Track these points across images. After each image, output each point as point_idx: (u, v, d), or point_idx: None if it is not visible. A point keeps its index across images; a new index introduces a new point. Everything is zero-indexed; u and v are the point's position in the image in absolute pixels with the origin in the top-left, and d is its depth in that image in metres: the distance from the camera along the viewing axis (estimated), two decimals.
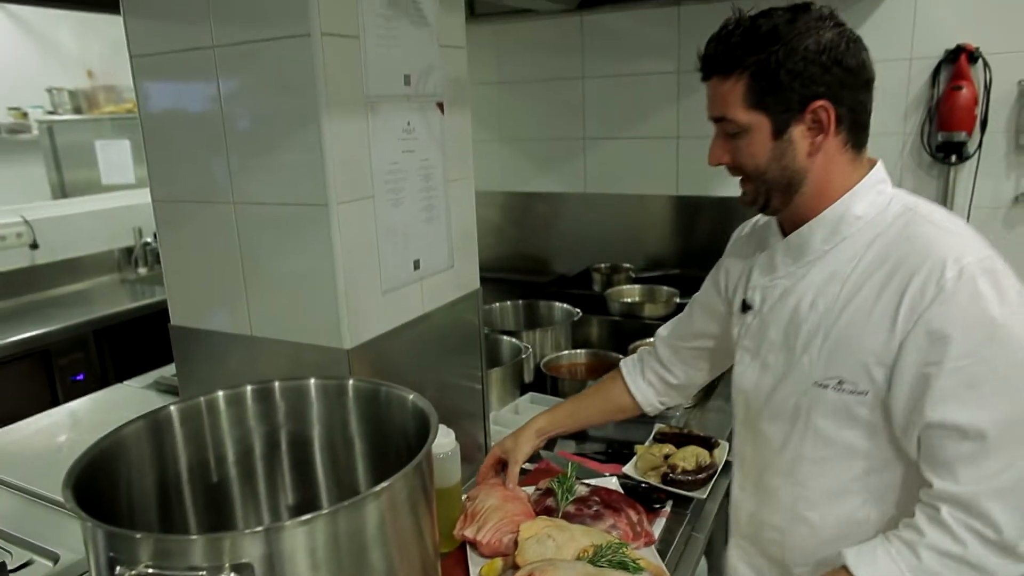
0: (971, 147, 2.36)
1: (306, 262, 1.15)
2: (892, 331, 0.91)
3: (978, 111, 2.32)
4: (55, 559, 1.25)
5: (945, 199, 2.43)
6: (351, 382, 1.02)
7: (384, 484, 0.78)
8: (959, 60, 2.29)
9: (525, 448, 1.34)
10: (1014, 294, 0.89)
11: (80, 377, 2.75)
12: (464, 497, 1.31)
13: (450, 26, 1.32)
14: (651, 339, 2.05)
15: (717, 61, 0.98)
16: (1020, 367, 0.87)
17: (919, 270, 0.90)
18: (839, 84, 0.94)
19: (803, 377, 1.01)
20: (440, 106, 1.32)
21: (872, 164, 1.02)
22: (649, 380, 1.43)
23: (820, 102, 0.94)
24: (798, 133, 0.96)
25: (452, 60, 1.34)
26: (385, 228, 1.21)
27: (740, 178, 1.04)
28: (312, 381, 1.02)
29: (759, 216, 1.20)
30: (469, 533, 1.21)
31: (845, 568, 0.94)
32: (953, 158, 2.37)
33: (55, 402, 2.50)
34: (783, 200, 1.02)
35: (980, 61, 2.29)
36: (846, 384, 0.97)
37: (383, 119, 1.18)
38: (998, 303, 0.87)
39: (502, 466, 1.37)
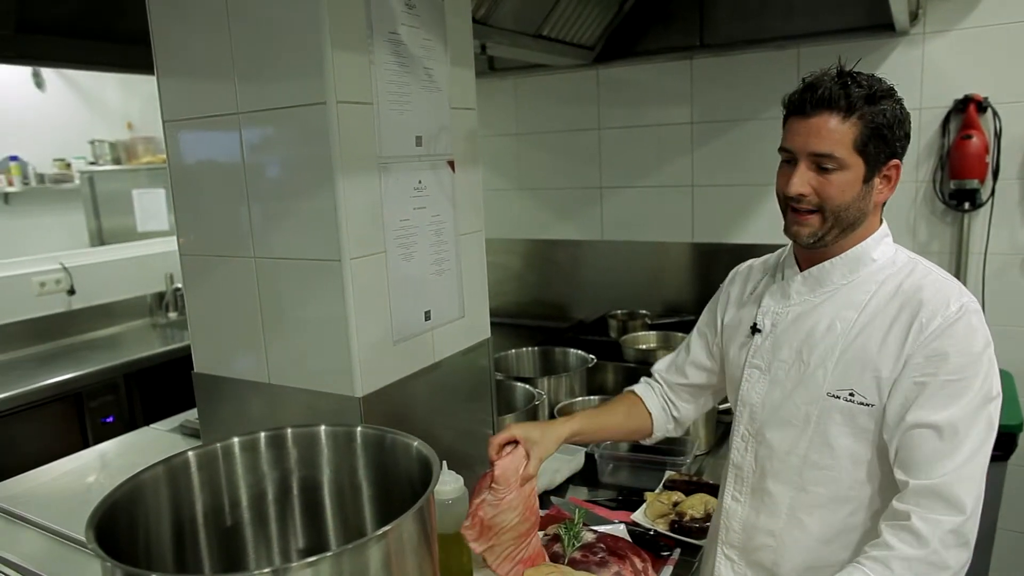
0: (984, 194, 2.37)
1: (320, 314, 1.21)
2: (901, 351, 1.07)
3: (989, 159, 2.34)
4: None
5: (960, 246, 2.43)
6: (359, 429, 1.06)
7: (386, 528, 0.82)
8: (968, 109, 2.32)
9: (551, 447, 1.28)
10: (987, 334, 1.08)
11: (110, 419, 2.83)
12: (477, 491, 1.23)
13: (461, 89, 1.40)
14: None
15: (835, 101, 1.07)
16: (985, 388, 1.05)
17: (927, 304, 1.07)
18: (903, 148, 1.12)
19: (816, 388, 1.14)
20: (451, 164, 1.38)
21: (881, 219, 1.20)
22: (660, 405, 1.46)
23: (896, 161, 1.11)
24: (877, 183, 1.11)
25: (463, 120, 1.42)
26: (397, 281, 1.27)
27: (805, 211, 1.14)
28: (322, 428, 1.06)
29: (768, 256, 1.35)
30: (478, 547, 1.19)
31: None
32: (967, 205, 2.39)
33: (85, 443, 2.58)
34: (839, 235, 1.14)
35: (989, 110, 2.32)
36: (856, 396, 1.10)
37: (395, 178, 1.25)
38: (982, 337, 1.06)
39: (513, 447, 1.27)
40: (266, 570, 0.77)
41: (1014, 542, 2.58)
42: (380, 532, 0.82)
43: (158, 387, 2.96)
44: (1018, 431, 2.12)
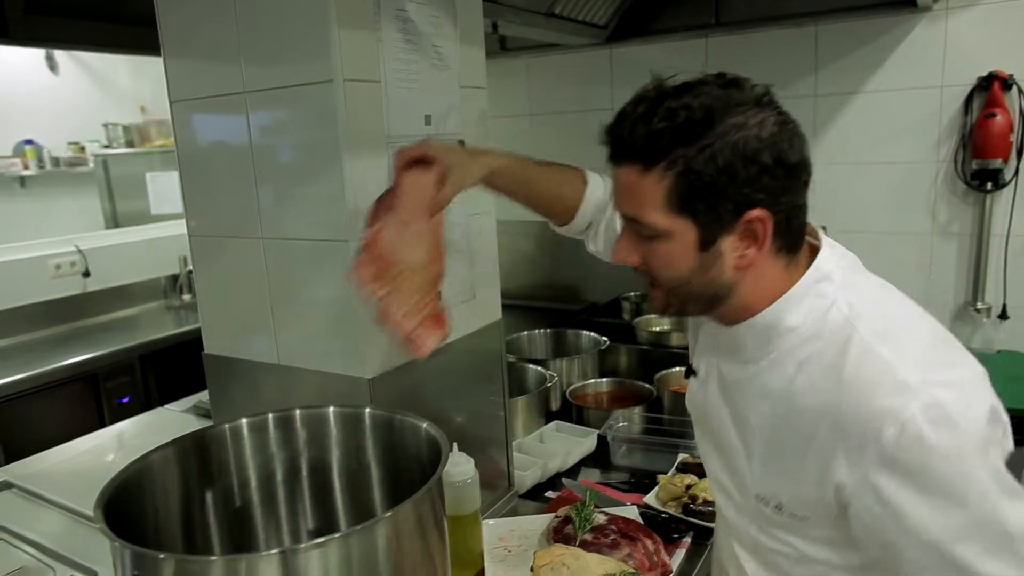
0: (1007, 174, 2.32)
1: (329, 294, 1.20)
2: (826, 481, 0.79)
3: (1014, 138, 2.29)
4: (92, 575, 1.31)
5: (981, 227, 2.38)
6: (368, 411, 1.06)
7: (395, 509, 0.82)
8: (992, 87, 2.26)
9: (472, 175, 1.04)
10: (972, 442, 0.72)
11: (126, 400, 2.86)
12: (375, 206, 1.01)
13: (471, 67, 1.38)
14: (679, 368, 2.06)
15: (634, 147, 0.79)
16: (990, 531, 0.73)
17: (852, 427, 0.75)
18: (780, 189, 0.77)
19: (743, 480, 0.91)
20: (461, 143, 1.37)
21: (808, 261, 0.84)
22: (598, 202, 1.19)
23: (756, 212, 0.77)
24: (728, 245, 0.80)
25: (473, 100, 1.39)
26: None
27: (644, 282, 0.89)
28: (331, 409, 1.06)
29: None
30: (376, 289, 0.95)
31: None
32: (989, 185, 2.34)
33: (102, 423, 2.62)
34: (702, 309, 0.88)
35: (1014, 88, 2.26)
36: (785, 510, 0.85)
37: None
38: (955, 462, 0.71)
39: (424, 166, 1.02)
40: (274, 551, 0.76)
41: None
42: (389, 513, 0.81)
43: (173, 368, 2.99)
44: None
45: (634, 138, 0.79)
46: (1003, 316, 2.42)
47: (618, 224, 1.02)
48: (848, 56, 2.49)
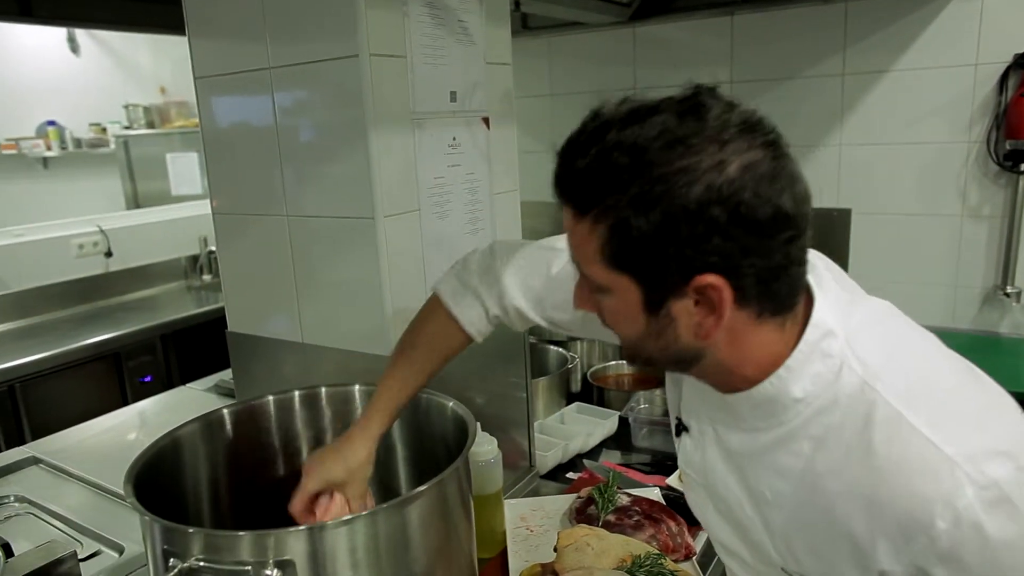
0: None
1: (354, 272, 1.19)
2: (868, 567, 0.66)
3: None
4: (120, 550, 1.32)
5: (1013, 209, 2.33)
6: None
7: (422, 488, 0.81)
8: None
9: (362, 479, 0.96)
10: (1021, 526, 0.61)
11: (148, 379, 2.89)
12: None
13: (496, 44, 1.36)
14: None
15: (568, 190, 0.67)
16: None
17: (896, 513, 0.63)
18: (740, 251, 0.61)
19: (766, 553, 0.78)
20: (486, 121, 1.35)
21: (805, 319, 0.69)
22: (481, 312, 1.03)
23: (708, 278, 0.62)
24: (681, 309, 0.65)
25: (498, 76, 1.37)
26: (431, 240, 1.25)
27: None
28: (356, 388, 1.06)
29: None
30: None
31: None
32: (1022, 167, 2.28)
33: (124, 402, 2.65)
34: (680, 368, 0.73)
35: None
36: None
37: (429, 134, 1.22)
38: (1019, 540, 0.61)
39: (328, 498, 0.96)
40: (301, 527, 0.76)
41: None
42: (416, 492, 0.81)
43: (194, 348, 3.01)
44: None
45: (568, 179, 0.67)
46: None
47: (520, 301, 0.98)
48: (878, 33, 2.43)
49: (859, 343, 0.68)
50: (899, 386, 0.65)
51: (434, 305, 1.03)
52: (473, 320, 1.02)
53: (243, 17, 1.20)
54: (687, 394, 0.83)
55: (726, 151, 0.60)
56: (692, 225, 0.60)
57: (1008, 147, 2.27)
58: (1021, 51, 2.22)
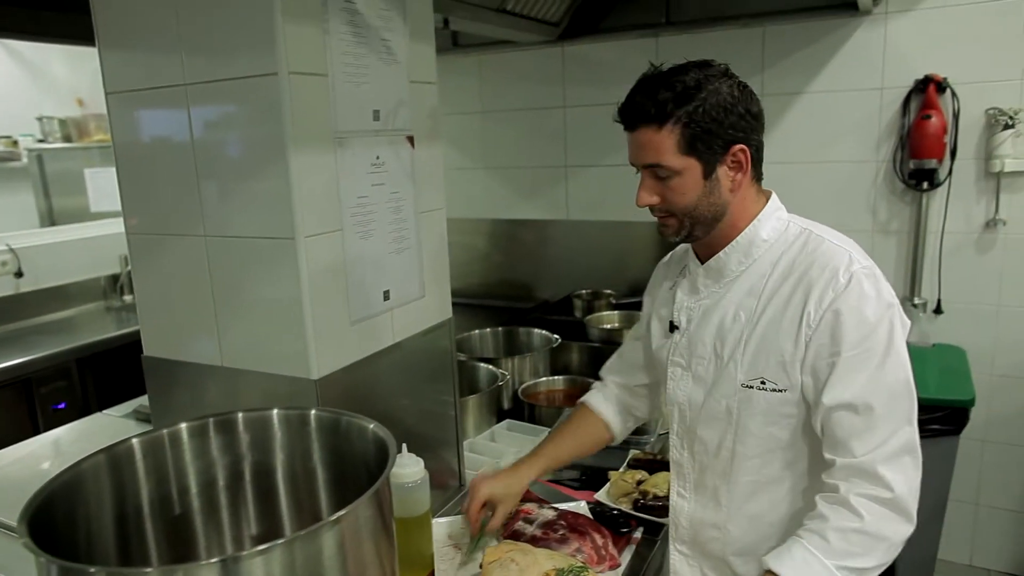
0: (942, 174, 2.41)
1: (274, 293, 1.17)
2: (799, 332, 1.07)
3: (948, 139, 2.37)
4: None
5: (918, 225, 2.47)
6: (313, 412, 1.03)
7: (340, 513, 0.80)
8: (928, 90, 2.34)
9: (516, 498, 1.35)
10: (887, 294, 1.06)
11: (62, 406, 2.74)
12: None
13: (421, 62, 1.36)
14: None
15: (647, 113, 1.08)
16: (890, 353, 1.04)
17: (818, 279, 1.07)
18: (750, 129, 1.09)
19: (731, 381, 1.14)
20: (410, 139, 1.35)
21: (768, 195, 1.18)
22: (617, 409, 1.46)
23: (739, 146, 1.09)
24: (723, 173, 1.10)
25: (423, 95, 1.38)
26: (354, 260, 1.23)
27: (661, 216, 1.16)
28: (275, 412, 1.03)
29: (677, 248, 1.36)
30: None
31: (770, 572, 1.03)
32: (925, 185, 2.42)
33: (36, 431, 2.50)
34: (705, 230, 1.15)
35: (948, 91, 2.34)
36: (768, 383, 1.11)
37: (351, 153, 1.21)
38: (876, 301, 1.04)
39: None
40: (215, 560, 0.73)
41: (965, 514, 2.66)
42: (333, 518, 0.79)
43: (113, 372, 2.88)
44: (970, 406, 2.17)
45: (647, 107, 1.07)
46: (938, 311, 2.51)
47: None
48: (793, 56, 2.55)
49: (796, 217, 1.17)
50: (820, 229, 1.13)
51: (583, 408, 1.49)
52: (600, 405, 1.46)
53: (157, 31, 1.16)
54: (680, 298, 1.24)
55: (730, 79, 1.08)
56: (729, 116, 1.06)
57: (912, 166, 2.41)
58: (920, 77, 2.37)
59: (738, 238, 1.15)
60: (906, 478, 1.02)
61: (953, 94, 2.34)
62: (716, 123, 1.06)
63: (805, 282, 1.08)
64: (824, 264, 1.07)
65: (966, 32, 2.31)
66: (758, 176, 1.15)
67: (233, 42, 1.10)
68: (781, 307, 1.10)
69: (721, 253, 1.17)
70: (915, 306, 2.52)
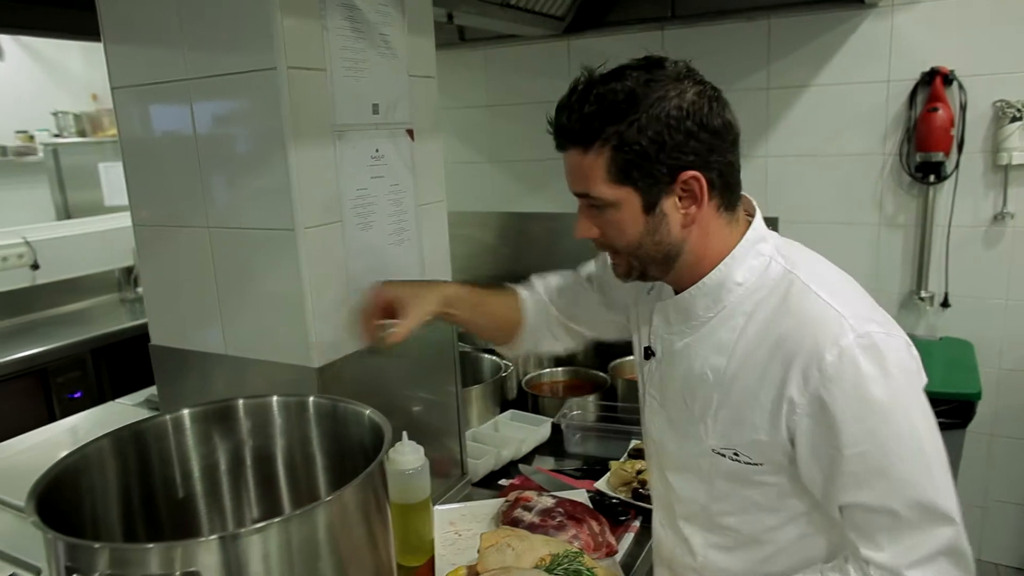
0: (949, 167, 2.39)
1: (276, 284, 1.19)
2: (778, 415, 0.88)
3: (955, 132, 2.36)
4: (37, 572, 1.29)
5: (925, 218, 2.46)
6: (311, 399, 1.06)
7: (335, 494, 0.82)
8: (934, 82, 2.33)
9: (427, 308, 1.14)
10: (897, 368, 0.84)
11: (77, 395, 2.80)
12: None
13: (420, 56, 1.38)
14: (632, 357, 2.10)
15: (573, 132, 0.89)
16: (915, 447, 0.85)
17: (799, 352, 0.86)
18: (707, 150, 0.87)
19: (701, 442, 0.98)
20: (410, 133, 1.37)
21: (747, 223, 0.96)
22: (537, 324, 1.28)
23: (690, 172, 0.87)
24: (670, 205, 0.89)
25: (422, 89, 1.39)
26: (354, 251, 1.25)
27: (606, 251, 0.99)
28: (274, 399, 1.06)
29: None
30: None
31: None
32: (932, 178, 2.41)
33: (52, 419, 2.54)
34: (661, 271, 0.96)
35: (955, 83, 2.33)
36: (741, 456, 0.94)
37: (351, 146, 1.23)
38: (882, 382, 0.83)
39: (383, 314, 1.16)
40: (213, 537, 0.76)
41: (972, 509, 2.66)
42: (328, 499, 0.82)
43: (126, 362, 2.93)
44: (976, 399, 2.16)
45: (571, 124, 0.89)
46: (945, 304, 2.50)
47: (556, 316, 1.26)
48: (799, 50, 2.55)
49: (783, 248, 0.96)
50: (810, 273, 0.91)
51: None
52: (530, 317, 1.27)
53: (160, 27, 1.19)
54: (656, 321, 1.04)
55: (683, 84, 0.86)
56: (673, 135, 0.85)
57: (919, 159, 2.40)
58: (927, 69, 2.36)
59: (705, 279, 0.94)
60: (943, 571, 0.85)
61: (960, 86, 2.33)
62: (656, 145, 0.85)
63: (784, 352, 0.87)
64: (808, 333, 0.86)
65: (973, 24, 2.30)
66: (729, 203, 0.93)
67: (233, 37, 1.12)
68: (756, 377, 0.90)
69: (686, 294, 0.96)
70: (922, 299, 2.51)
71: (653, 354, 1.06)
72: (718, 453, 0.96)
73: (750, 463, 0.94)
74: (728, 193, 0.92)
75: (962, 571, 0.86)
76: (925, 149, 2.37)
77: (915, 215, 2.49)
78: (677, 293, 0.99)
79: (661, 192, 0.89)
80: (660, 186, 0.88)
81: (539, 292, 1.31)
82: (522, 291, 1.30)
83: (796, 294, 0.89)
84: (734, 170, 0.92)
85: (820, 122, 2.57)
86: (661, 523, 1.15)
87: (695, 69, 0.90)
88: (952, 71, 2.32)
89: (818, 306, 0.87)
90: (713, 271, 0.93)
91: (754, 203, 0.99)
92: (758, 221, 0.96)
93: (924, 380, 0.88)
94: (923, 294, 2.51)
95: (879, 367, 0.83)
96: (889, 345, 0.85)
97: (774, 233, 0.99)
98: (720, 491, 0.99)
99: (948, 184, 2.42)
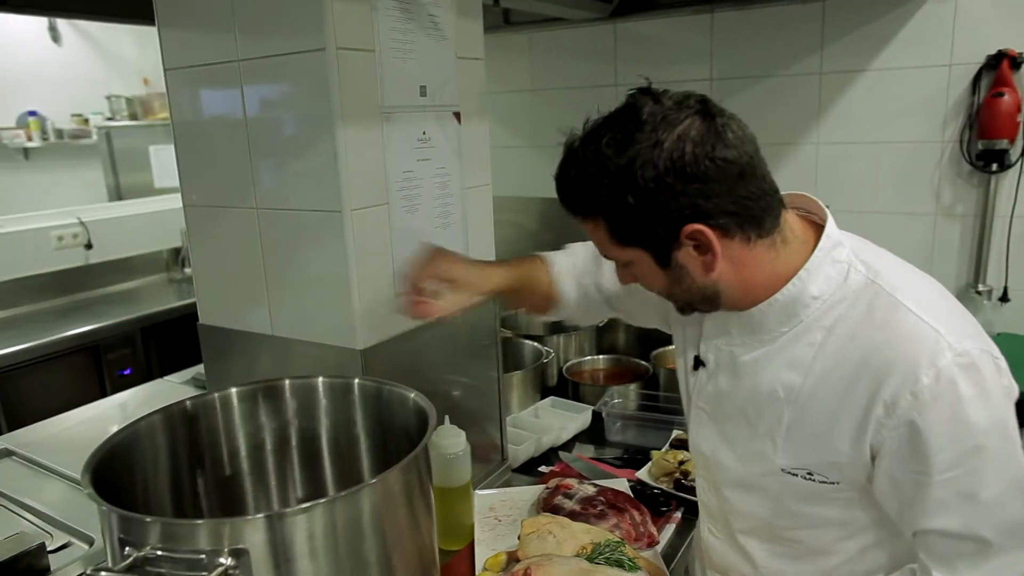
0: (1013, 155, 2.29)
1: (322, 265, 1.20)
2: (862, 437, 0.83)
3: (1021, 118, 2.25)
4: (91, 542, 1.32)
5: (985, 209, 2.36)
6: (356, 381, 1.06)
7: (380, 476, 0.82)
8: (1001, 66, 2.22)
9: (488, 286, 1.14)
10: (996, 388, 0.80)
11: (127, 372, 2.88)
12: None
13: (468, 38, 1.36)
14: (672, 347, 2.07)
15: (568, 204, 0.89)
16: (1010, 469, 0.80)
17: (891, 373, 0.80)
18: (703, 198, 0.80)
19: (769, 461, 0.93)
20: (457, 115, 1.36)
21: (818, 233, 0.89)
22: (575, 295, 1.25)
23: (690, 227, 0.81)
24: (685, 256, 0.85)
25: (470, 71, 1.38)
26: (400, 233, 1.25)
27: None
28: (320, 380, 1.06)
29: None
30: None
31: None
32: (994, 166, 2.30)
33: (103, 395, 2.63)
34: (710, 306, 0.92)
35: (1023, 67, 2.22)
36: (816, 476, 0.89)
37: (398, 128, 1.22)
38: (981, 406, 0.78)
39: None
40: (260, 515, 0.77)
41: None
42: (374, 480, 0.82)
43: (174, 341, 3.01)
44: None
45: (564, 198, 0.90)
46: (1004, 299, 2.40)
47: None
48: (855, 33, 2.46)
49: (861, 253, 0.88)
50: (895, 282, 0.84)
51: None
52: (558, 264, 1.25)
53: (212, 8, 1.20)
54: (708, 329, 0.98)
55: (658, 133, 0.79)
56: (656, 194, 0.79)
57: (981, 147, 2.30)
58: (993, 52, 2.25)
59: (777, 296, 0.87)
60: None
61: None
62: (642, 210, 0.80)
63: (873, 371, 0.81)
64: (901, 352, 0.79)
65: None
66: (760, 232, 0.84)
67: (283, 18, 1.12)
68: (838, 395, 0.84)
69: (755, 310, 0.90)
70: (979, 293, 2.42)
71: (703, 364, 1.00)
72: (789, 473, 0.91)
73: (826, 482, 0.89)
74: (754, 223, 0.84)
75: None
76: (988, 136, 2.26)
77: (974, 205, 2.39)
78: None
79: (670, 247, 0.84)
80: (665, 242, 0.84)
81: (577, 272, 1.26)
82: (557, 267, 1.26)
83: (883, 307, 0.83)
84: (751, 199, 0.83)
85: (875, 108, 2.48)
86: (713, 533, 1.10)
87: (689, 96, 0.83)
88: (1021, 53, 2.21)
89: (910, 320, 0.81)
90: (787, 286, 0.87)
91: (822, 204, 0.92)
92: (831, 227, 0.88)
93: (1016, 393, 0.83)
94: (981, 288, 2.42)
95: (978, 388, 0.78)
96: (987, 363, 0.80)
97: (848, 234, 0.92)
98: (787, 509, 0.95)
99: (1012, 173, 2.31)
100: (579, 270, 1.25)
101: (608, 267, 1.18)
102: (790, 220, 0.89)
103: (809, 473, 0.89)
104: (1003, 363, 0.83)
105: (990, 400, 0.78)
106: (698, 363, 1.01)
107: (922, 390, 0.78)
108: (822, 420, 0.86)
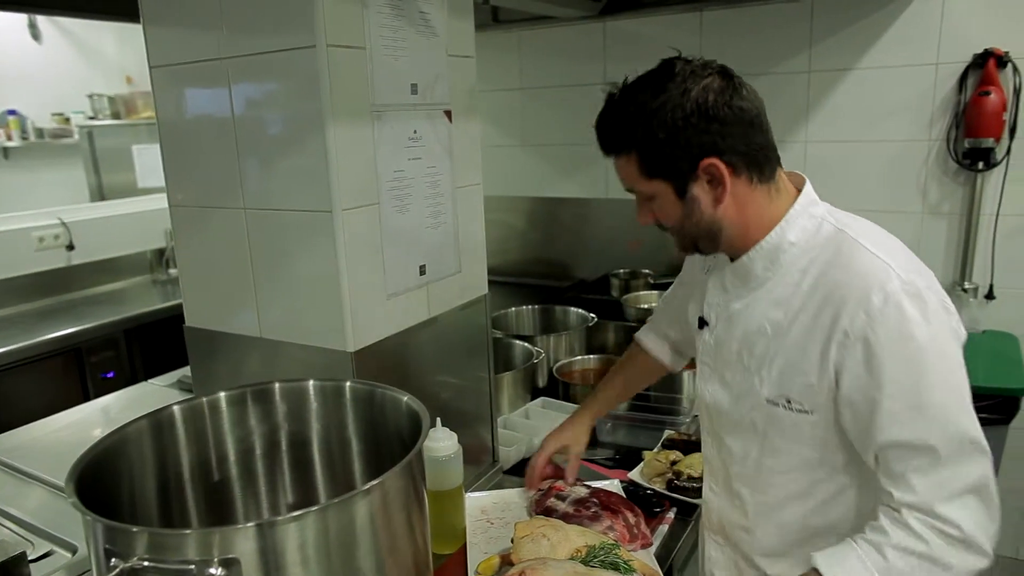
0: (999, 153, 2.31)
1: (312, 266, 1.18)
2: (826, 356, 0.97)
3: (1007, 116, 2.27)
4: (73, 551, 1.30)
5: (971, 206, 2.38)
6: (348, 384, 1.04)
7: (373, 483, 0.81)
8: (987, 65, 2.24)
9: (584, 440, 1.47)
10: (938, 312, 0.93)
11: (110, 375, 2.84)
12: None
13: (459, 36, 1.35)
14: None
15: (606, 143, 1.05)
16: (952, 384, 0.93)
17: (848, 299, 0.94)
18: (720, 136, 0.97)
19: (757, 395, 1.07)
20: (448, 114, 1.34)
21: (799, 187, 1.05)
22: (669, 350, 1.48)
23: (707, 160, 0.98)
24: (698, 190, 1.01)
25: (461, 69, 1.36)
26: (390, 234, 1.23)
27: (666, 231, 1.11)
28: (311, 383, 1.05)
29: None
30: None
31: (816, 571, 0.96)
32: (980, 165, 2.33)
33: (86, 399, 2.59)
34: (711, 245, 1.08)
35: (1009, 66, 2.24)
36: (793, 403, 1.02)
37: (389, 127, 1.20)
38: (924, 324, 0.91)
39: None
40: (251, 524, 0.75)
41: (1014, 506, 2.58)
42: (366, 487, 0.80)
43: (158, 343, 2.96)
44: (1021, 394, 2.10)
45: (604, 138, 1.06)
46: (989, 296, 2.42)
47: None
48: (843, 32, 2.47)
49: (836, 213, 1.05)
50: (860, 230, 1.00)
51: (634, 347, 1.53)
52: (647, 340, 1.49)
53: (199, 5, 1.17)
54: (711, 291, 1.15)
55: (687, 83, 0.96)
56: (683, 133, 0.96)
57: (967, 145, 2.32)
58: (979, 51, 2.27)
59: (762, 242, 1.04)
60: (974, 516, 0.92)
61: (1015, 69, 2.24)
62: (670, 144, 0.97)
63: (835, 300, 0.96)
64: (857, 281, 0.94)
65: None
66: (763, 177, 1.01)
67: (272, 15, 1.10)
68: (808, 324, 0.99)
69: (744, 257, 1.06)
70: (965, 291, 2.44)
71: (707, 323, 1.16)
72: (772, 403, 1.05)
73: (802, 410, 1.02)
74: (757, 168, 1.01)
75: (991, 511, 0.94)
76: (974, 135, 2.28)
77: (960, 203, 2.41)
78: (734, 261, 1.09)
79: (688, 180, 1.00)
80: (685, 175, 1.00)
81: (663, 342, 1.47)
82: (644, 337, 1.50)
83: (847, 249, 0.98)
84: (759, 146, 1.00)
85: (863, 107, 2.49)
86: (712, 489, 1.24)
87: (709, 61, 1.00)
88: (1007, 52, 2.23)
89: (866, 257, 0.96)
90: (769, 234, 1.03)
91: (804, 176, 1.08)
92: (808, 188, 1.05)
93: (963, 336, 0.97)
94: (967, 285, 2.44)
95: (922, 313, 0.91)
96: (932, 298, 0.93)
97: (829, 205, 1.07)
98: (772, 445, 1.08)
99: (997, 171, 2.33)
100: (662, 332, 1.47)
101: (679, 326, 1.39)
102: (783, 177, 1.06)
103: (788, 401, 1.03)
104: (952, 307, 0.96)
105: (932, 325, 0.92)
106: (702, 324, 1.17)
107: (872, 309, 0.92)
108: (796, 348, 1.00)
